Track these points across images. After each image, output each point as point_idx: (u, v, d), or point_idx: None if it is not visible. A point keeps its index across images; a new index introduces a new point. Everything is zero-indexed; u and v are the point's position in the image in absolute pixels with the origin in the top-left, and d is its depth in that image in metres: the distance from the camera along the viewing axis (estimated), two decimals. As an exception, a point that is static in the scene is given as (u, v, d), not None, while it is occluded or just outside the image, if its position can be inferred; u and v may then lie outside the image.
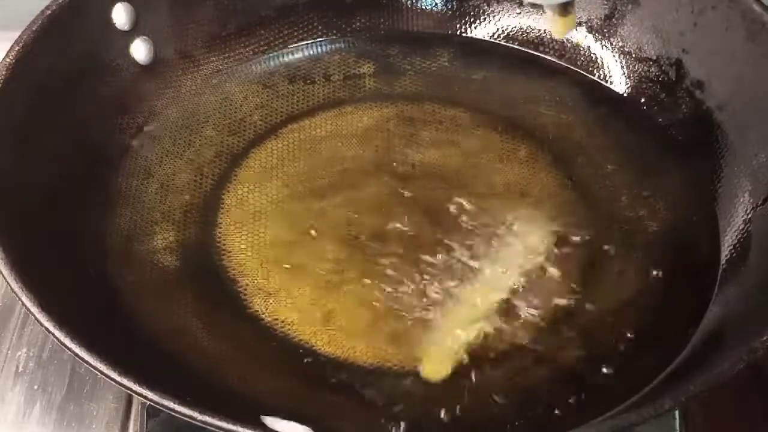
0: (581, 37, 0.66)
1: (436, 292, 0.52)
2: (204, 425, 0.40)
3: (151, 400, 0.40)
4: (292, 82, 0.66)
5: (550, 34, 0.67)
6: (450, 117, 0.63)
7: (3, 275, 0.45)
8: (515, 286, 0.52)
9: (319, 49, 0.68)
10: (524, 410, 0.47)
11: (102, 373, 0.41)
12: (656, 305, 0.52)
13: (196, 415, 0.40)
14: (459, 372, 0.49)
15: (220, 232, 0.56)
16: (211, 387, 0.48)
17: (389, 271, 0.53)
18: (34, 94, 0.55)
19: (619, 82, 0.64)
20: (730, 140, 0.57)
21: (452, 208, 0.57)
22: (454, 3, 0.69)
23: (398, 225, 0.56)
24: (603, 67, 0.65)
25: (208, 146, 0.61)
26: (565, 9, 0.47)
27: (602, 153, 0.60)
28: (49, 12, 0.57)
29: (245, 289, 0.53)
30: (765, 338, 0.42)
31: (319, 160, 0.60)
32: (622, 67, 0.65)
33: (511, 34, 0.68)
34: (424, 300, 0.52)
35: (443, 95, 0.64)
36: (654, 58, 0.63)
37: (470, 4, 0.69)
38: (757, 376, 0.52)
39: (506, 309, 0.51)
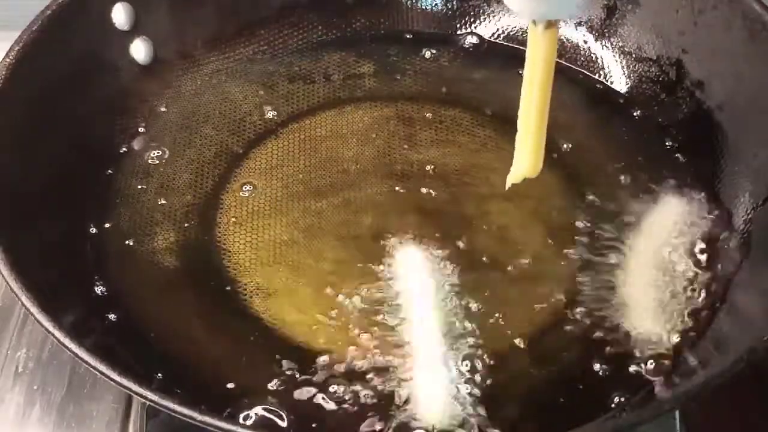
0: (580, 36, 0.66)
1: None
2: (204, 425, 0.39)
3: (151, 400, 0.40)
4: (292, 82, 0.66)
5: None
6: (450, 117, 0.63)
7: (3, 275, 0.45)
8: (515, 286, 0.52)
9: (319, 49, 0.68)
10: (524, 411, 0.47)
11: (102, 373, 0.41)
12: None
13: (196, 415, 0.40)
14: (458, 372, 0.49)
15: (220, 232, 0.56)
16: (211, 387, 0.48)
17: (389, 272, 0.53)
18: (34, 94, 0.55)
19: (619, 82, 0.64)
20: (730, 140, 0.57)
21: (452, 208, 0.57)
22: (454, 3, 0.69)
23: (398, 225, 0.56)
24: (603, 67, 0.65)
25: (208, 146, 0.61)
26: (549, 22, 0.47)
27: (602, 153, 0.60)
28: (49, 12, 0.57)
29: (245, 289, 0.53)
30: (765, 338, 0.42)
31: (319, 160, 0.60)
32: (622, 67, 0.65)
33: (511, 34, 0.68)
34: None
35: (443, 95, 0.64)
36: (654, 58, 0.63)
37: (470, 4, 0.69)
38: (757, 376, 0.52)
39: (506, 309, 0.51)
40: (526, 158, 0.51)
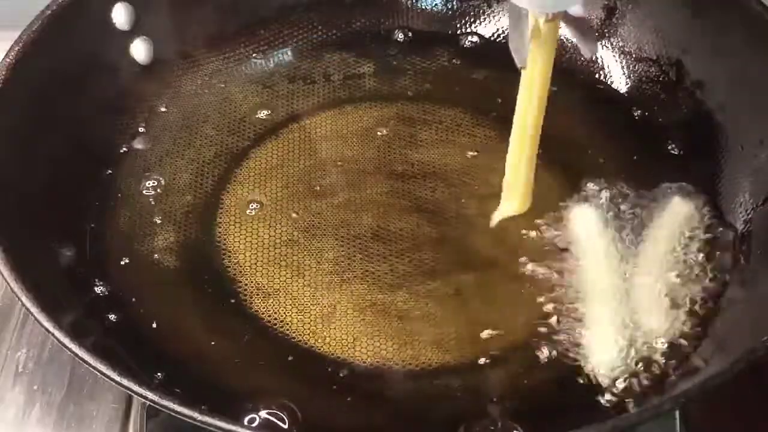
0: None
1: (437, 291, 0.52)
2: (204, 425, 0.39)
3: (151, 400, 0.40)
4: (292, 82, 0.66)
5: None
6: (450, 117, 0.63)
7: (3, 275, 0.45)
8: (511, 286, 0.52)
9: (319, 49, 0.68)
10: (525, 410, 0.47)
11: (102, 373, 0.41)
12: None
13: (196, 415, 0.40)
14: (459, 372, 0.49)
15: (220, 232, 0.56)
16: (211, 387, 0.48)
17: (389, 271, 0.53)
18: (34, 94, 0.55)
19: (619, 82, 0.64)
20: (730, 140, 0.57)
21: (452, 208, 0.57)
22: (454, 3, 0.69)
23: (398, 225, 0.56)
24: (603, 67, 0.65)
25: (208, 146, 0.61)
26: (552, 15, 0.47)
27: (602, 153, 0.60)
28: (49, 12, 0.57)
29: (245, 289, 0.53)
30: (765, 339, 0.42)
31: (319, 160, 0.60)
32: (622, 67, 0.65)
33: (511, 34, 0.68)
34: (425, 299, 0.52)
35: (443, 95, 0.64)
36: (654, 58, 0.63)
37: (470, 4, 0.69)
38: (757, 376, 0.52)
39: (505, 308, 0.51)
40: (515, 197, 0.52)
